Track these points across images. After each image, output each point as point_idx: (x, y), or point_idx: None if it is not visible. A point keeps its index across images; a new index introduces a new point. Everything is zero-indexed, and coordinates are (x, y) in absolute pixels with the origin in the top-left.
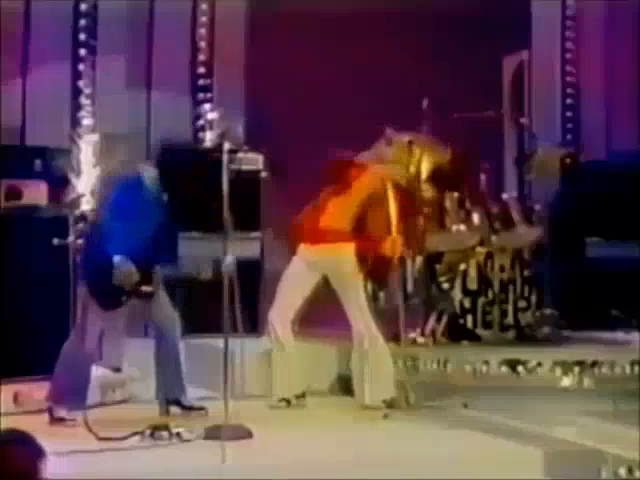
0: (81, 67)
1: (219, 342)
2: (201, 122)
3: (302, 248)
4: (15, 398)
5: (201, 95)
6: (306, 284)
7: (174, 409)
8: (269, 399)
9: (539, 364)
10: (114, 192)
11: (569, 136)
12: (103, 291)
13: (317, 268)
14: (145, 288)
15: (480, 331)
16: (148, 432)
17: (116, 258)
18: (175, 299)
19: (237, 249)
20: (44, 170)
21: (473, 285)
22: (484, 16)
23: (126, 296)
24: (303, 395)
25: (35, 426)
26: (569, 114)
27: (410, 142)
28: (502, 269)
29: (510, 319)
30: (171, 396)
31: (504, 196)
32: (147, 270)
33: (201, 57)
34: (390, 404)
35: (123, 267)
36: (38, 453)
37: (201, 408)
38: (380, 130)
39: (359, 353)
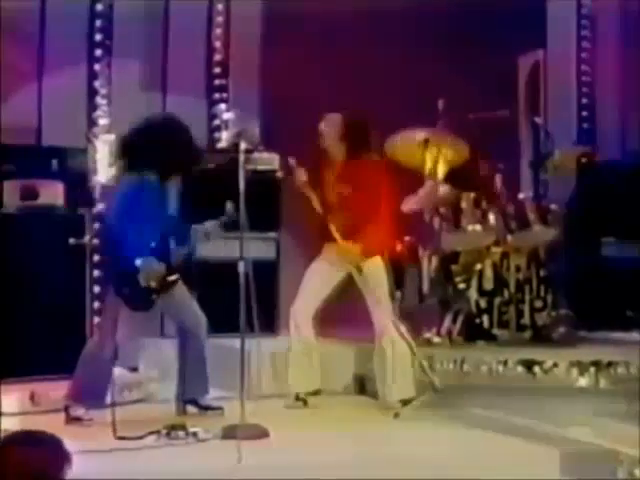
0: (97, 67)
1: (235, 342)
2: (217, 122)
3: (327, 246)
4: (31, 397)
5: (217, 95)
6: (329, 282)
7: (191, 409)
8: (286, 399)
9: (555, 364)
10: (123, 193)
11: (584, 136)
12: (133, 294)
13: (342, 266)
14: (170, 278)
15: (496, 331)
16: (164, 431)
17: (138, 261)
18: None
19: (253, 249)
20: (60, 170)
21: (489, 285)
22: (499, 15)
23: (156, 294)
24: (318, 392)
25: (51, 425)
26: (585, 114)
27: (426, 140)
28: (518, 269)
29: (526, 319)
30: (192, 396)
31: (520, 196)
32: (167, 261)
33: (217, 57)
34: (406, 403)
35: (148, 267)
36: (56, 456)
37: (218, 408)
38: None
39: (380, 352)
